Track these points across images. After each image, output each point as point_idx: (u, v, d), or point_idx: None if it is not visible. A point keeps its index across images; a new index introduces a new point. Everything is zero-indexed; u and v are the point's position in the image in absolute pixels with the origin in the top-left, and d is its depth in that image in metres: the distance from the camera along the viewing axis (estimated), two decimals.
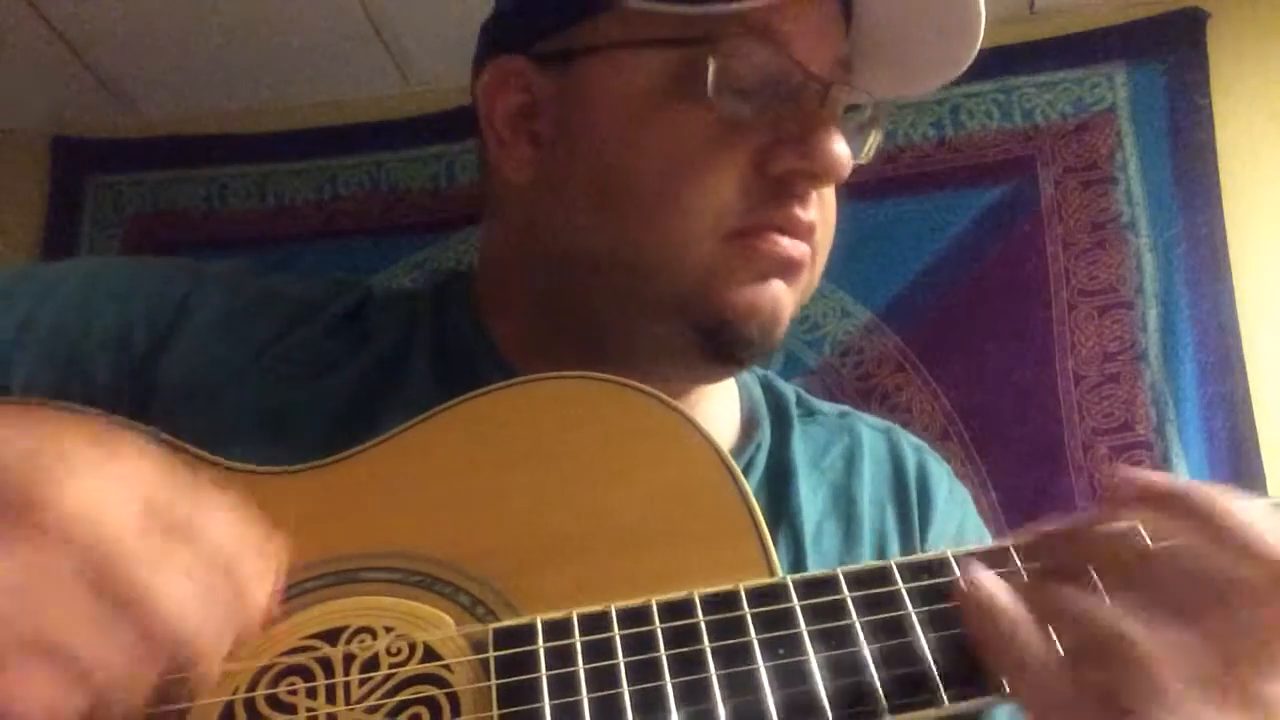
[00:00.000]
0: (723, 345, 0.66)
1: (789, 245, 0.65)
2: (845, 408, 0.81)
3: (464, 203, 2.28)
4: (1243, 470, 1.95)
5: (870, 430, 0.79)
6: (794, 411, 0.77)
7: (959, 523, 0.76)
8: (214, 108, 2.39)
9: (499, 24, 0.74)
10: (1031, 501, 1.99)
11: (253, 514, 0.47)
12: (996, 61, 2.18)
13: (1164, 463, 1.98)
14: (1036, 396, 2.05)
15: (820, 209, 0.67)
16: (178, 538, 0.44)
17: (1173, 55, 2.14)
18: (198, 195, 2.39)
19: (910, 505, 0.74)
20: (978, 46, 0.66)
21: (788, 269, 0.66)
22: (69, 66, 2.25)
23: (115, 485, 0.44)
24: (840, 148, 0.64)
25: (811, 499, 0.72)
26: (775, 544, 0.66)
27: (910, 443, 0.79)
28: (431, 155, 2.33)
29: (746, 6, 0.62)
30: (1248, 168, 2.08)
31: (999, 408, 2.05)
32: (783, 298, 0.66)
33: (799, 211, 0.65)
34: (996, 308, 2.10)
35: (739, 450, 0.73)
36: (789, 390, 0.80)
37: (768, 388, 0.79)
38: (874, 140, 0.72)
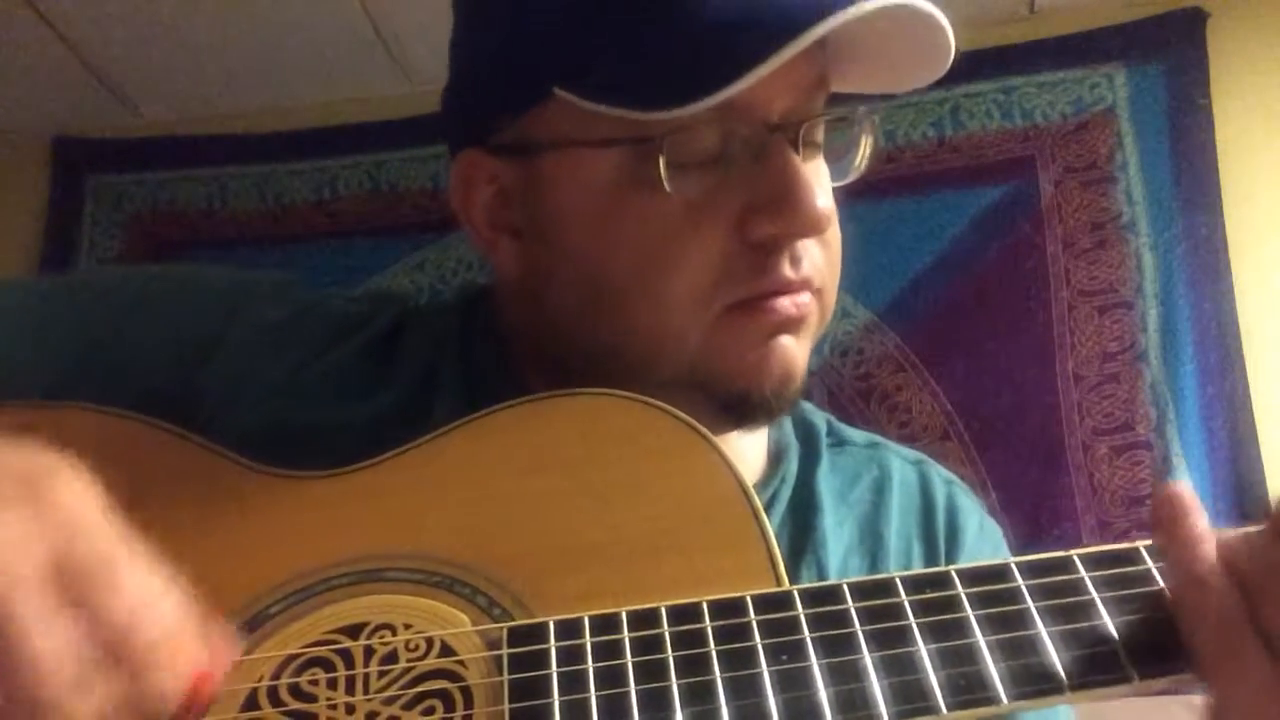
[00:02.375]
0: (740, 411, 0.65)
1: (787, 304, 0.63)
2: (876, 437, 0.80)
3: None
4: (1243, 470, 1.96)
5: (901, 462, 0.77)
6: (823, 442, 0.76)
7: (990, 558, 0.74)
8: (214, 108, 2.40)
9: (449, 120, 0.71)
10: (1031, 501, 2.00)
11: (176, 583, 0.46)
12: (996, 61, 2.18)
13: (1164, 463, 1.98)
14: (1036, 396, 2.05)
15: (821, 248, 0.65)
16: (78, 602, 0.42)
17: (1173, 55, 2.14)
18: (198, 195, 2.40)
19: (937, 540, 0.73)
20: (952, 45, 0.62)
21: (791, 325, 0.64)
22: (69, 66, 2.25)
23: (27, 531, 0.42)
24: (820, 200, 0.61)
25: (838, 532, 0.71)
26: (799, 577, 0.67)
27: (941, 476, 0.78)
28: (431, 155, 2.33)
29: (682, 114, 0.58)
30: (1248, 168, 2.08)
31: (999, 408, 2.05)
32: (792, 351, 0.65)
33: (789, 272, 0.63)
34: (996, 308, 2.10)
35: (764, 482, 0.72)
36: (820, 420, 0.78)
37: (798, 419, 0.78)
38: (866, 148, 0.70)
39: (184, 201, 2.40)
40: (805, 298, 0.65)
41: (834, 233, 0.67)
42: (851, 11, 0.57)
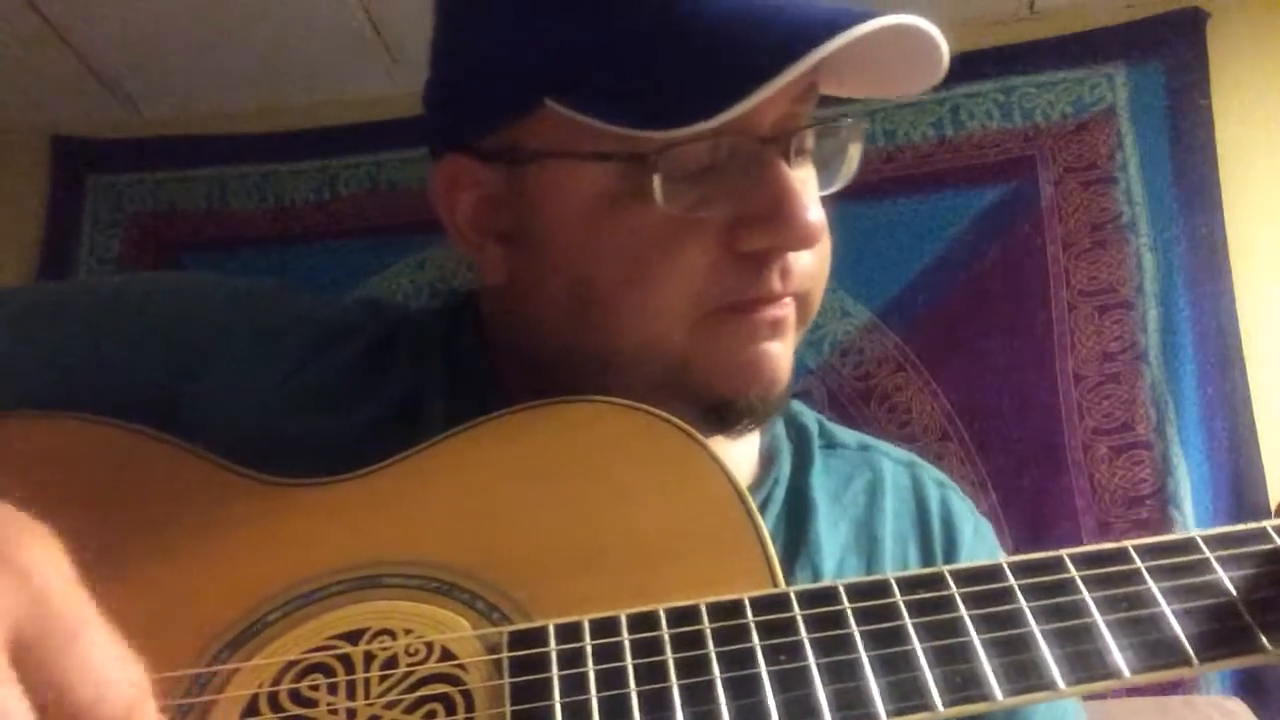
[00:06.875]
0: (725, 418, 0.65)
1: (773, 309, 0.64)
2: (867, 439, 0.80)
3: None
4: (1243, 470, 1.96)
5: (893, 464, 0.78)
6: (815, 444, 0.77)
7: (987, 558, 0.75)
8: (214, 108, 2.40)
9: (432, 123, 0.71)
10: (1031, 501, 2.00)
11: (128, 654, 0.45)
12: (996, 61, 2.18)
13: (1164, 463, 1.98)
14: (1036, 396, 2.05)
15: (812, 255, 0.65)
16: (42, 674, 0.41)
17: (1173, 55, 2.14)
18: (198, 195, 2.40)
19: (934, 542, 0.74)
20: (945, 58, 0.62)
21: (775, 330, 0.65)
22: (69, 66, 2.25)
23: None
24: (812, 213, 0.61)
25: (832, 534, 0.71)
26: (795, 578, 0.67)
27: (933, 478, 0.78)
28: None
29: (684, 134, 0.58)
30: (1248, 168, 2.08)
31: (999, 408, 2.05)
32: (777, 356, 0.65)
33: (777, 284, 0.63)
34: (996, 308, 2.10)
35: (757, 484, 0.73)
36: (811, 421, 0.79)
37: (790, 420, 0.78)
38: (855, 154, 0.69)
39: (184, 201, 2.40)
40: (790, 304, 0.65)
41: (824, 238, 0.66)
42: (853, 32, 0.57)
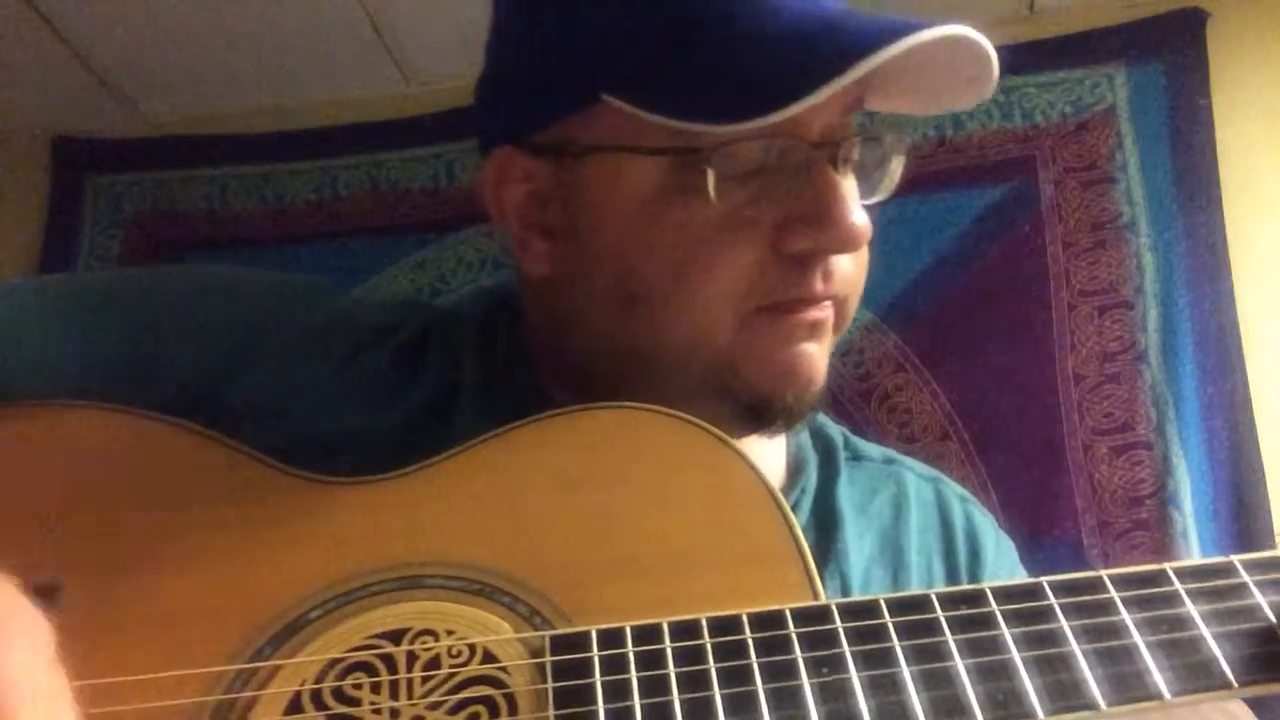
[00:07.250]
0: (762, 416, 0.66)
1: (814, 311, 0.65)
2: (891, 453, 0.81)
3: (464, 203, 2.28)
4: (1243, 470, 1.96)
5: (916, 479, 0.79)
6: (841, 456, 0.78)
7: (1009, 575, 0.76)
8: (214, 108, 2.39)
9: (485, 115, 0.72)
10: (1031, 501, 2.00)
11: None
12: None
13: (1164, 463, 1.98)
14: (1036, 396, 2.05)
15: (852, 260, 0.67)
16: None
17: (1173, 55, 2.14)
18: (198, 195, 2.39)
19: (958, 556, 0.75)
20: (995, 74, 0.64)
21: (815, 331, 0.66)
22: (69, 66, 2.24)
23: None
24: (857, 216, 0.63)
25: (859, 544, 0.72)
26: (823, 587, 0.68)
27: (956, 493, 0.80)
28: (431, 155, 2.33)
29: (739, 130, 0.60)
30: (1248, 168, 2.08)
31: (999, 408, 2.05)
32: (815, 357, 0.66)
33: (819, 286, 0.64)
34: (996, 308, 2.10)
35: (785, 493, 0.71)
36: (837, 434, 0.80)
37: (816, 432, 0.79)
38: (898, 167, 0.70)
39: (184, 201, 2.39)
40: (829, 307, 0.66)
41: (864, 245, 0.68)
42: (911, 40, 0.58)
